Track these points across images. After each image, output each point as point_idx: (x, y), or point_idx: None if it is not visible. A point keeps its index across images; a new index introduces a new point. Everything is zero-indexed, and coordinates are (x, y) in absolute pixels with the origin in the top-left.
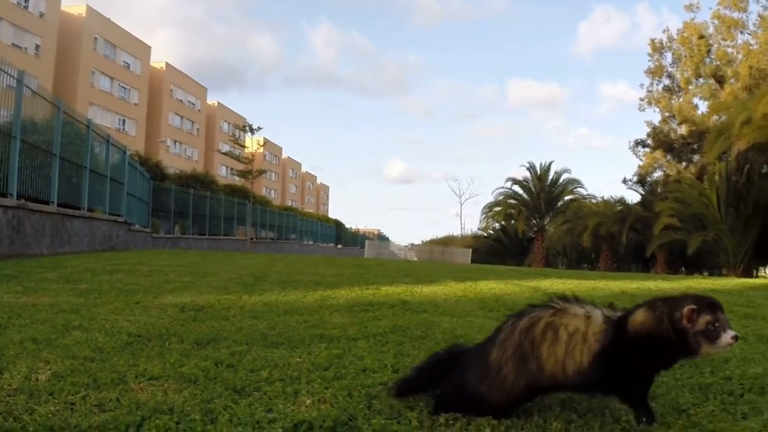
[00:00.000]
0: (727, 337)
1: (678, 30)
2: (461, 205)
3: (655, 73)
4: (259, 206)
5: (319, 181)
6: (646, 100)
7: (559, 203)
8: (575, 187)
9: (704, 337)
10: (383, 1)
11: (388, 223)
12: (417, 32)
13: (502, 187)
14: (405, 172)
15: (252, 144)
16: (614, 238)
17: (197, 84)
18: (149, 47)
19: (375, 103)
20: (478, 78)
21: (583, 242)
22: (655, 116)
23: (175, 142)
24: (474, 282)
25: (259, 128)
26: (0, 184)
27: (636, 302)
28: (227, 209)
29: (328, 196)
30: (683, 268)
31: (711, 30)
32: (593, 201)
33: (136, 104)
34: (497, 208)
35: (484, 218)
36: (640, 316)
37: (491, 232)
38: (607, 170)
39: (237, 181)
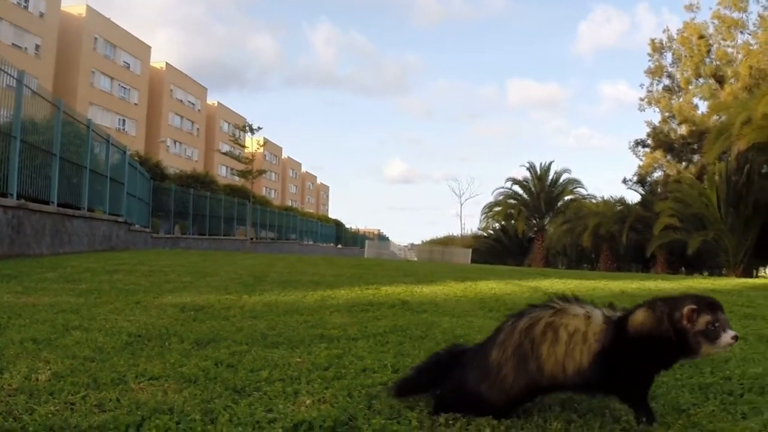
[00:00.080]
0: (727, 337)
1: (678, 30)
2: (461, 205)
3: (655, 73)
4: (259, 206)
5: (319, 181)
6: (646, 100)
7: (559, 203)
8: (575, 187)
9: (704, 337)
10: (383, 1)
11: (388, 223)
12: (417, 32)
13: (502, 187)
14: (405, 172)
15: (252, 144)
16: (614, 238)
17: (197, 84)
18: (149, 47)
19: (375, 103)
20: (478, 78)
21: (583, 242)
22: (655, 116)
23: (175, 142)
24: (474, 282)
25: (259, 128)
26: (0, 184)
27: (636, 302)
28: (227, 209)
29: (328, 196)
30: (683, 268)
31: (711, 30)
32: (593, 201)
33: (136, 104)
34: (497, 208)
35: (484, 218)
36: (640, 316)
37: (491, 232)
38: (607, 170)
39: (237, 181)
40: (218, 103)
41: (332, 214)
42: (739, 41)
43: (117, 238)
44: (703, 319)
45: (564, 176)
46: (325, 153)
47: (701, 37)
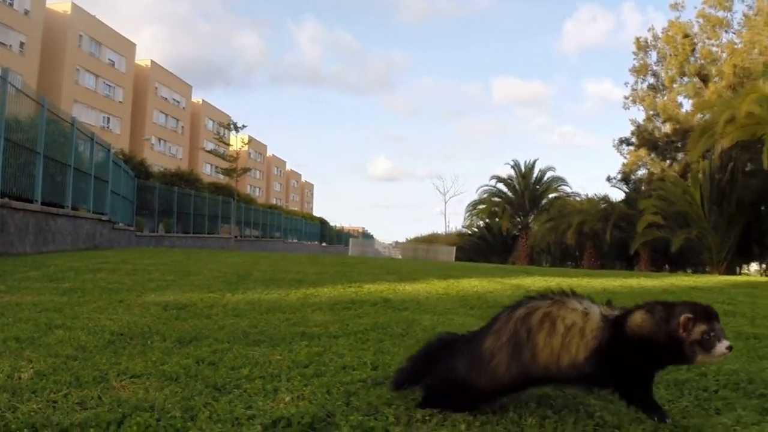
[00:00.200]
0: (721, 347)
1: (663, 29)
2: (446, 203)
3: (640, 71)
4: (244, 204)
5: (303, 179)
6: (631, 98)
7: (544, 201)
8: (559, 185)
9: (699, 347)
10: None
11: (373, 221)
12: (402, 29)
13: (487, 185)
14: (389, 169)
15: (236, 142)
16: (598, 235)
17: (182, 82)
18: (134, 45)
19: (360, 101)
20: (463, 75)
21: (567, 240)
22: (639, 114)
23: (159, 140)
24: (456, 280)
25: (244, 126)
26: None
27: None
28: (212, 207)
29: (312, 194)
30: (667, 266)
31: (696, 29)
32: (577, 199)
33: (120, 102)
34: (482, 206)
35: (468, 216)
36: (638, 318)
37: (475, 229)
38: (592, 168)
39: (221, 179)
40: (203, 100)
41: (317, 212)
42: (724, 40)
43: (101, 237)
44: (699, 329)
45: (548, 174)
46: (309, 151)
47: (686, 35)
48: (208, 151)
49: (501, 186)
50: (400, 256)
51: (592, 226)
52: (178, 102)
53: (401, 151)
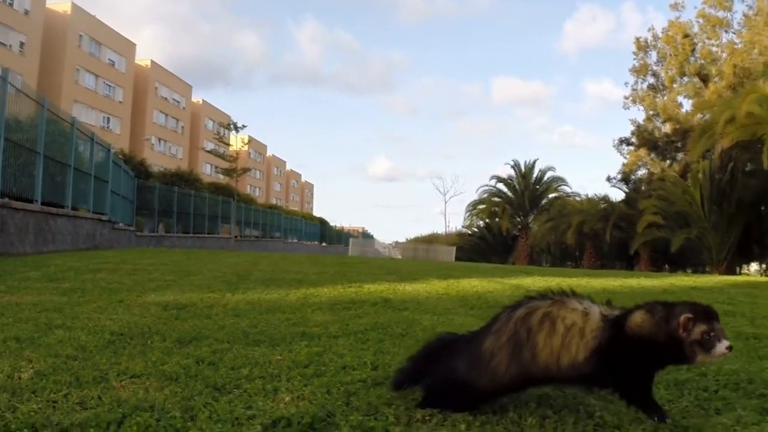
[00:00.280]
0: (721, 347)
1: (663, 29)
2: (446, 202)
3: (640, 71)
4: (244, 204)
5: (303, 179)
6: (631, 98)
7: (544, 201)
8: (559, 185)
9: (699, 347)
10: None
11: (373, 221)
12: (402, 29)
13: (487, 185)
14: (390, 169)
15: (236, 142)
16: (598, 235)
17: (182, 81)
18: (134, 45)
19: (360, 101)
20: (463, 75)
21: (567, 240)
22: (639, 114)
23: (159, 140)
24: (456, 280)
25: (244, 126)
26: None
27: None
28: (212, 207)
29: (312, 194)
30: (667, 266)
31: (696, 29)
32: (577, 199)
33: (120, 102)
34: (481, 206)
35: (468, 216)
36: (638, 319)
37: (475, 229)
38: (592, 168)
39: (221, 179)
40: (203, 100)
41: (317, 212)
42: (724, 40)
43: (101, 237)
44: (699, 329)
45: (548, 174)
46: (309, 151)
47: (686, 35)
48: (208, 151)
49: (501, 186)
50: (400, 256)
51: (592, 226)
52: (178, 102)
53: (401, 151)
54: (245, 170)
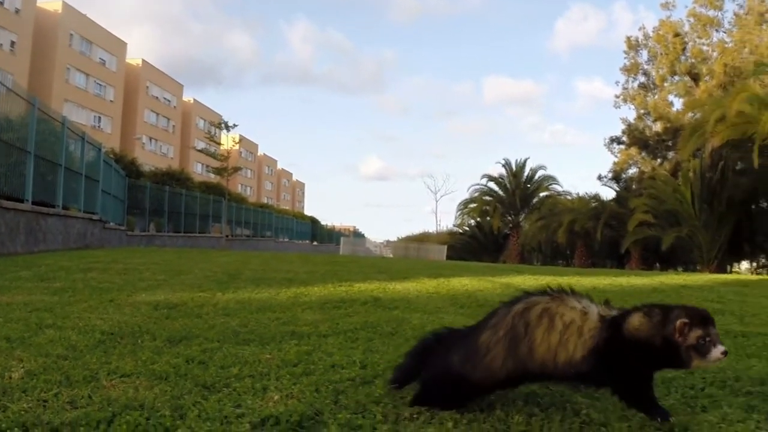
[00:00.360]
0: (717, 352)
1: (654, 28)
2: (437, 201)
3: (631, 70)
4: (235, 203)
5: (294, 178)
6: (622, 97)
7: (535, 200)
8: (550, 184)
9: (695, 352)
10: None
11: (364, 220)
12: (393, 28)
13: (478, 184)
14: (381, 169)
15: (227, 141)
16: (589, 234)
17: (173, 81)
18: (125, 44)
19: (351, 101)
20: (454, 75)
21: (558, 239)
22: (630, 113)
23: (150, 139)
24: (447, 279)
25: (235, 125)
26: None
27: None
28: (203, 206)
29: (303, 193)
30: (658, 264)
31: (687, 28)
32: (568, 197)
33: (111, 101)
34: (473, 205)
35: (459, 215)
36: (636, 321)
37: (467, 228)
38: (582, 167)
39: (212, 178)
40: (194, 100)
41: (308, 211)
42: (715, 39)
43: (92, 236)
44: (695, 334)
45: (539, 173)
46: (301, 150)
47: (677, 35)
48: (199, 151)
49: (492, 185)
50: (391, 255)
51: (583, 224)
52: (169, 101)
53: (393, 150)
54: (236, 169)
